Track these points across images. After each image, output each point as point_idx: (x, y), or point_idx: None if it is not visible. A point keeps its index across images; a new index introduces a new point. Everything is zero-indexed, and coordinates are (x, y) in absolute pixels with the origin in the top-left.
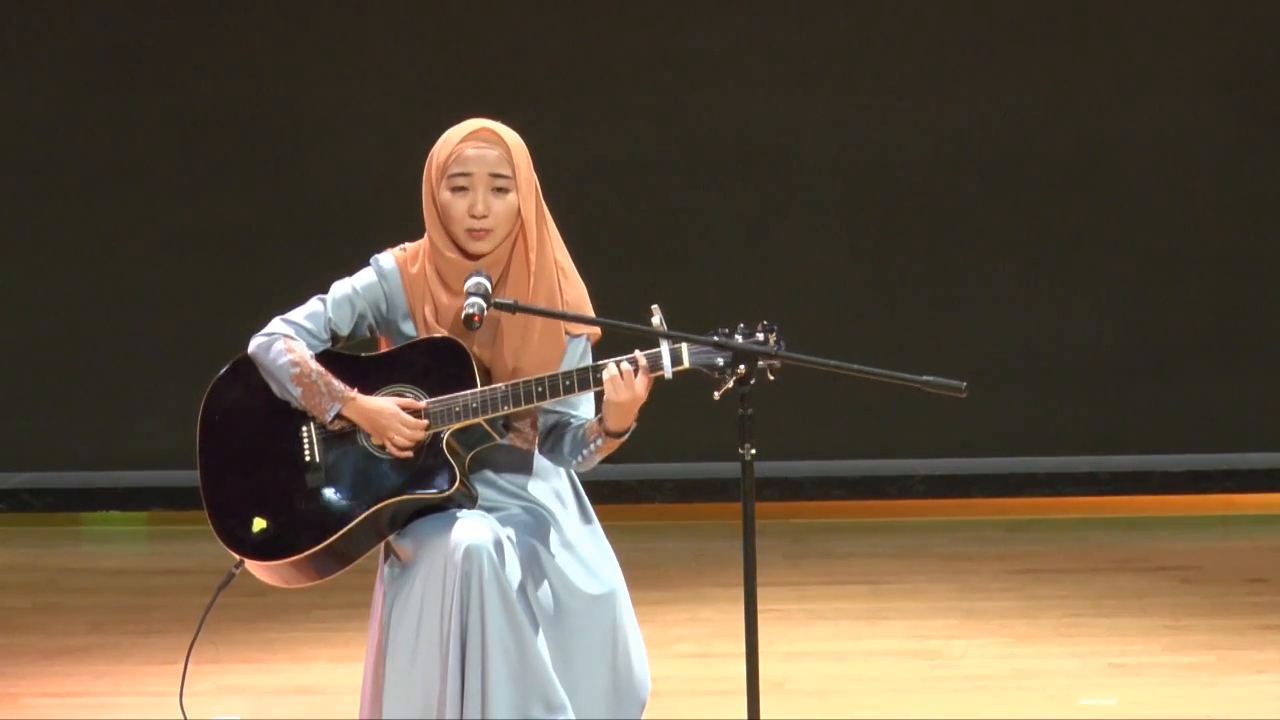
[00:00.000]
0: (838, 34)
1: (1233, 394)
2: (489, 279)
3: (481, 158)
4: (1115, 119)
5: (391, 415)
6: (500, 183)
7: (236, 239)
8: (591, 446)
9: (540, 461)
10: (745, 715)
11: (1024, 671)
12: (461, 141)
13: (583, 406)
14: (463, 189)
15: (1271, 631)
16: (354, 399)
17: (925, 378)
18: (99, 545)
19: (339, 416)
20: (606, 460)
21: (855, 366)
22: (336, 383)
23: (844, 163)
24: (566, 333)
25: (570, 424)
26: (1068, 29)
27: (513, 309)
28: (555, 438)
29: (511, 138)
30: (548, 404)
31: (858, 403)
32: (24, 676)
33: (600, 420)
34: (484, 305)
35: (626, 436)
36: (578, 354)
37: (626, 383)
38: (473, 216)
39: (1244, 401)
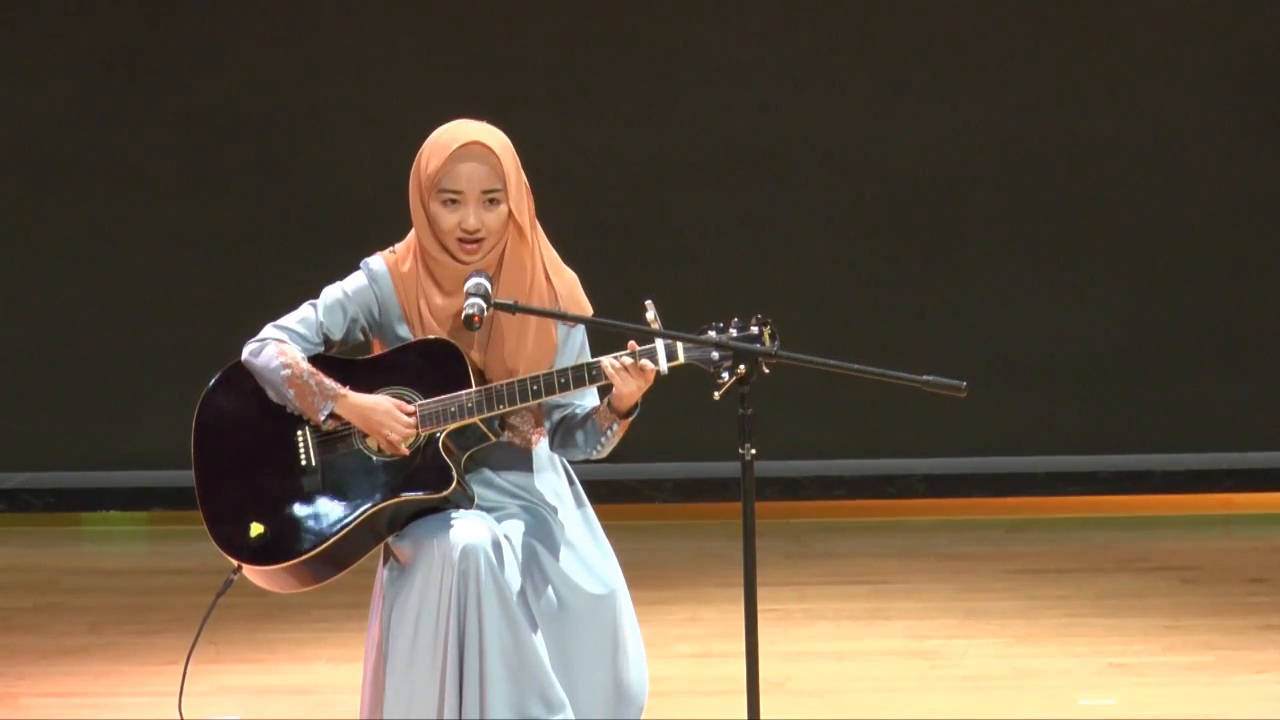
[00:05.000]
0: (838, 34)
1: (1233, 394)
2: (489, 279)
3: (473, 174)
4: (1115, 119)
5: (385, 412)
6: (492, 195)
7: (236, 239)
8: (608, 433)
9: (539, 460)
10: (745, 715)
11: (1024, 671)
12: (451, 156)
13: (587, 396)
14: (454, 203)
15: (1271, 631)
16: (345, 396)
17: (925, 378)
18: (99, 545)
19: (332, 415)
20: (605, 460)
21: (855, 366)
22: (328, 381)
23: (844, 162)
24: (562, 324)
25: (576, 414)
26: (1068, 29)
27: (512, 309)
28: (566, 430)
29: (500, 144)
30: (544, 401)
31: (858, 403)
32: (24, 676)
33: (608, 405)
34: (484, 306)
35: (636, 413)
36: (576, 345)
37: (633, 373)
38: (465, 230)
39: (1244, 401)
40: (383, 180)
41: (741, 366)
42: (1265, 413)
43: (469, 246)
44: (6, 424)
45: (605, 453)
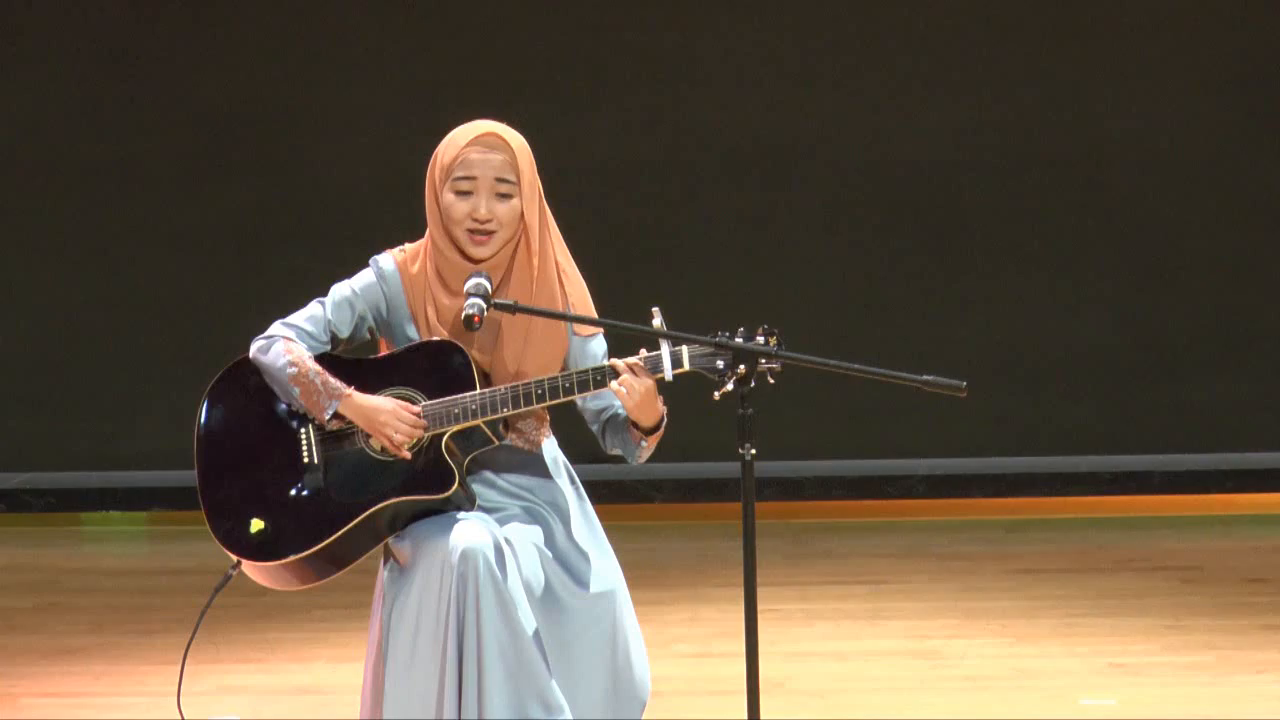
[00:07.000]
0: (838, 34)
1: (1233, 394)
2: (489, 280)
3: (486, 162)
4: (1115, 119)
5: (389, 412)
6: (504, 188)
7: (237, 239)
8: (642, 444)
9: (542, 462)
10: (745, 715)
11: (1024, 671)
12: (467, 145)
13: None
14: (466, 192)
15: (1271, 631)
16: (350, 396)
17: (925, 378)
18: (99, 545)
19: (336, 415)
20: (606, 460)
21: (855, 366)
22: (333, 380)
23: (844, 163)
24: (575, 334)
25: (619, 416)
26: (1068, 29)
27: (512, 309)
28: (612, 431)
29: (516, 141)
30: (560, 401)
31: (858, 403)
32: (24, 676)
33: (629, 423)
34: (484, 306)
35: (664, 423)
36: (600, 353)
37: (639, 373)
38: (475, 220)
39: (1244, 401)
40: (383, 180)
41: (741, 366)
42: (1265, 413)
43: (479, 237)
44: (6, 424)
45: (643, 460)
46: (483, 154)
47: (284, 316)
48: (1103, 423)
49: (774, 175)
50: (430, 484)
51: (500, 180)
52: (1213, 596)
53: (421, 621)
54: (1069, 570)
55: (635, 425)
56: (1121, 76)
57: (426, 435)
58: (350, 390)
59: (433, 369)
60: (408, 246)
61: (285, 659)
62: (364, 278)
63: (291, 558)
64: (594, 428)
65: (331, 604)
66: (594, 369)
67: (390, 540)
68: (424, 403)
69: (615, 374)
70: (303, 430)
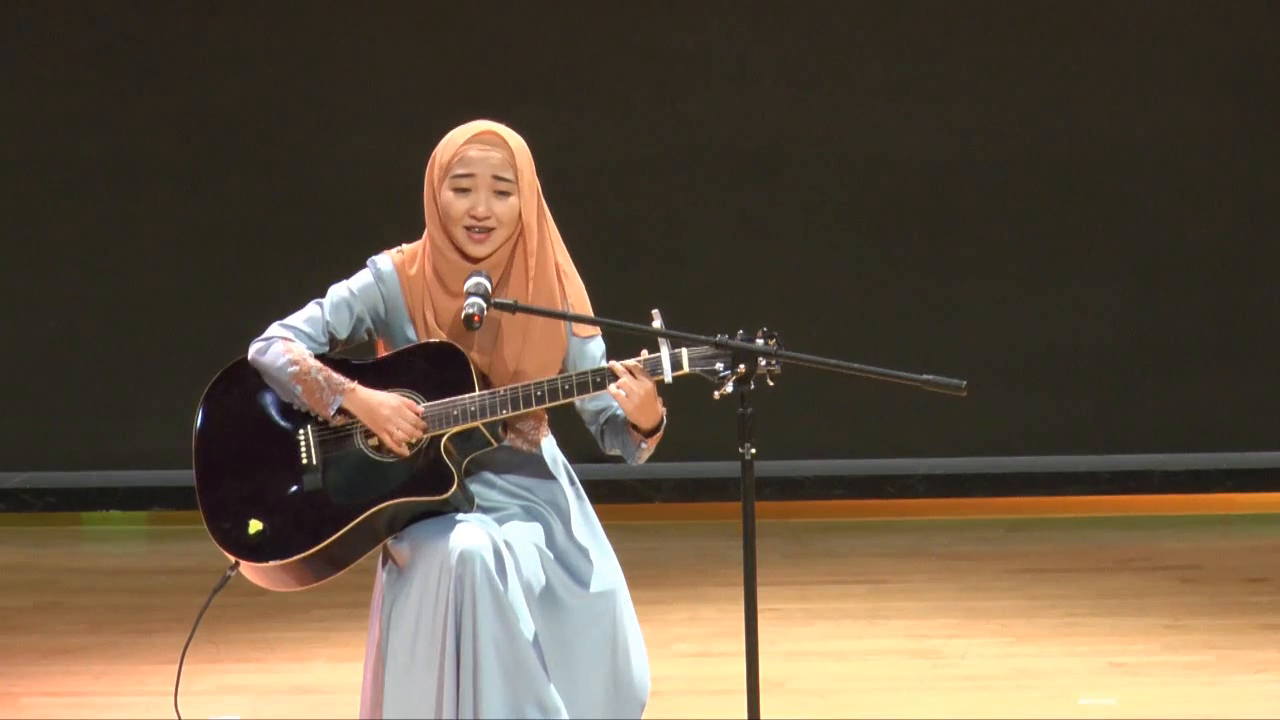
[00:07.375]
0: (838, 34)
1: (1233, 394)
2: (489, 279)
3: (485, 159)
4: (1115, 119)
5: (393, 409)
6: (502, 185)
7: (236, 239)
8: (642, 445)
9: (541, 462)
10: (745, 715)
11: (1024, 671)
12: (466, 143)
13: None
14: (465, 190)
15: (1271, 631)
16: (354, 390)
17: (925, 377)
18: (99, 545)
19: (340, 410)
20: (606, 460)
21: (855, 366)
22: (336, 376)
23: (844, 163)
24: (574, 334)
25: (618, 417)
26: (1068, 29)
27: (512, 309)
28: (612, 432)
29: (515, 140)
30: (559, 403)
31: (858, 403)
32: (24, 676)
33: (629, 424)
34: (484, 305)
35: (664, 424)
36: (598, 354)
37: (633, 389)
38: (474, 217)
39: (1244, 401)
40: (383, 180)
41: (741, 367)
42: (1265, 413)
43: (477, 235)
44: (6, 424)
45: (642, 461)
46: (481, 151)
47: (282, 318)
48: (1103, 423)
49: (774, 175)
50: (429, 485)
51: (498, 178)
52: (1212, 596)
53: (420, 623)
54: (1069, 570)
55: (634, 427)
56: (1120, 77)
57: (426, 437)
58: (354, 385)
59: (431, 370)
60: (405, 247)
61: (285, 659)
62: (362, 279)
63: (290, 559)
64: (592, 429)
65: (331, 604)
66: (593, 371)
67: (389, 542)
68: (424, 404)
69: (614, 376)
70: (301, 431)
